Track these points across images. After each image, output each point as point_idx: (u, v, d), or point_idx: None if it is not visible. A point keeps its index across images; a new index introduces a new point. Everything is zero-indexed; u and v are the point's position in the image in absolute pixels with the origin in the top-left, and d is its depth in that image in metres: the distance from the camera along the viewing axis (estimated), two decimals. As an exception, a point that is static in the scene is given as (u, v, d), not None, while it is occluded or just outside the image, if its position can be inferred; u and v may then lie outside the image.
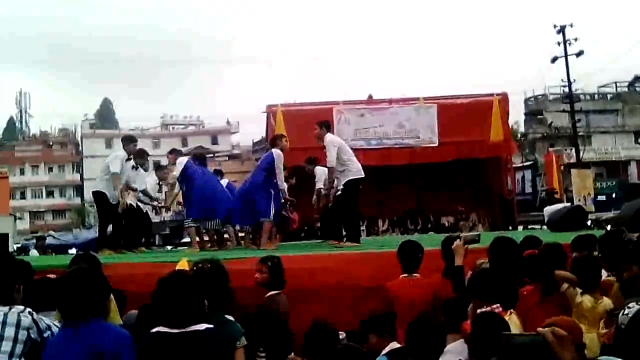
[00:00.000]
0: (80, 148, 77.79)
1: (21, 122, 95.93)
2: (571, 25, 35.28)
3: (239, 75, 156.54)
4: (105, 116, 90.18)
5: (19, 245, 22.26)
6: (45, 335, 3.92)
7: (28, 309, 4.00)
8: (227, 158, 66.52)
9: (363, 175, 10.26)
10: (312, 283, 6.91)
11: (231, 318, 4.38)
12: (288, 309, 5.84)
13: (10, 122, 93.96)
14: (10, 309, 3.92)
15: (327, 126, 10.64)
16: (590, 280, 5.41)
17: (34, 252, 18.45)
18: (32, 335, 3.88)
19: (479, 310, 4.56)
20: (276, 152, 10.47)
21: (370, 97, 25.61)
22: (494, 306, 4.63)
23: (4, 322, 3.85)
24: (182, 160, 10.99)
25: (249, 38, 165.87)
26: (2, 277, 4.07)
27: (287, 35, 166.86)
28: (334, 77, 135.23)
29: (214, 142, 72.26)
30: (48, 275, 5.69)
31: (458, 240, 5.96)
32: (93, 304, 3.74)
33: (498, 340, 3.10)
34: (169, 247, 14.77)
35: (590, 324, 5.15)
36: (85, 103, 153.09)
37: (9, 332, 3.83)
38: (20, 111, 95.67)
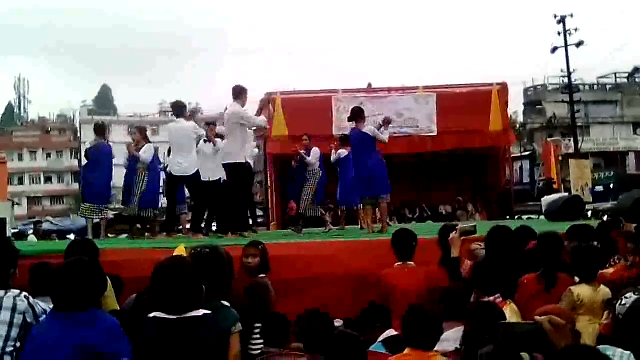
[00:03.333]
0: (78, 134, 77.63)
1: (20, 108, 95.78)
2: (572, 16, 35.31)
3: (238, 63, 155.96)
4: (103, 103, 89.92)
5: (16, 231, 22.24)
6: (41, 319, 3.92)
7: (24, 293, 4.00)
8: (225, 145, 66.38)
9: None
10: (307, 271, 6.91)
11: (227, 304, 4.39)
12: (282, 297, 5.87)
13: (9, 107, 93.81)
14: (6, 293, 3.92)
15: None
16: (588, 271, 5.40)
17: (32, 238, 18.46)
18: (28, 320, 3.88)
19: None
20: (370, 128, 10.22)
21: (369, 85, 25.56)
22: (495, 296, 4.67)
23: (0, 306, 3.85)
24: (150, 147, 11.03)
25: (248, 27, 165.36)
26: (2, 261, 4.06)
27: (287, 24, 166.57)
28: (334, 66, 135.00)
29: (212, 129, 72.02)
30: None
31: (454, 232, 5.97)
32: (87, 298, 3.71)
33: (493, 329, 3.12)
34: (164, 234, 14.64)
35: (590, 314, 5.14)
36: (84, 89, 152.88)
37: (5, 316, 3.83)
38: (19, 97, 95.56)
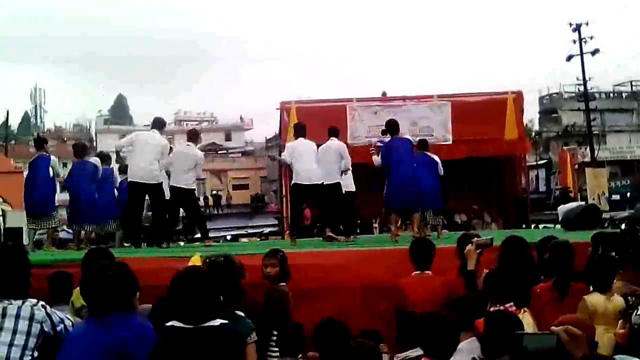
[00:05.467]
0: (94, 143, 78.02)
1: (36, 118, 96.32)
2: (587, 24, 35.11)
3: (253, 72, 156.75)
4: (119, 112, 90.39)
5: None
6: (58, 328, 3.94)
7: (41, 302, 4.02)
8: (240, 154, 66.62)
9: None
10: (323, 280, 6.90)
11: (241, 314, 4.39)
12: (298, 305, 5.85)
13: (25, 117, 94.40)
14: (23, 302, 3.94)
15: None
16: (603, 280, 5.38)
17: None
18: (45, 329, 3.90)
19: (492, 309, 4.57)
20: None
21: (384, 94, 25.58)
22: (507, 305, 4.64)
23: (18, 316, 3.87)
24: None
25: (263, 36, 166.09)
26: (16, 270, 4.08)
27: (301, 33, 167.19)
28: (348, 74, 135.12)
29: (228, 138, 72.06)
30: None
31: (470, 245, 5.93)
32: (121, 300, 3.77)
33: (511, 338, 3.10)
34: (182, 243, 14.79)
35: (605, 323, 5.11)
36: (99, 99, 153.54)
37: (22, 325, 3.85)
38: (35, 106, 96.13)
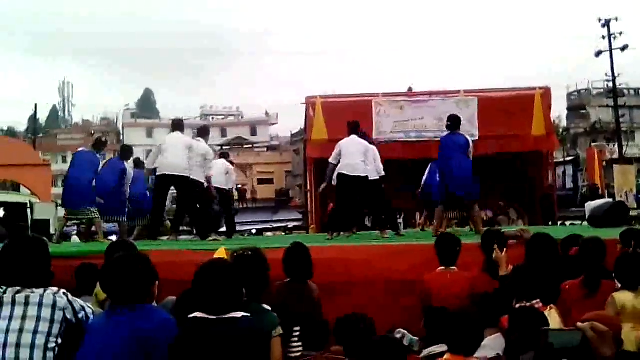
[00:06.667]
0: (121, 137, 78.62)
1: (64, 111, 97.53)
2: (616, 19, 34.76)
3: (278, 66, 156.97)
4: (146, 106, 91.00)
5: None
6: (80, 315, 3.97)
7: (62, 290, 4.06)
8: (265, 149, 66.79)
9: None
10: (347, 275, 6.89)
11: (268, 307, 4.39)
12: (322, 300, 5.83)
13: (53, 110, 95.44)
14: (45, 290, 3.97)
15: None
16: (632, 277, 5.31)
17: (76, 239, 18.70)
18: (68, 316, 3.93)
19: (517, 305, 4.54)
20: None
21: (410, 89, 25.51)
22: (534, 302, 4.60)
23: (40, 303, 3.90)
24: None
25: (289, 30, 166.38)
26: (37, 260, 4.13)
27: (327, 27, 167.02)
28: (374, 69, 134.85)
29: (253, 133, 72.34)
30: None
31: (499, 252, 5.81)
32: (141, 289, 3.80)
33: (535, 335, 3.08)
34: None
35: (633, 320, 5.06)
36: (127, 93, 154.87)
37: (45, 313, 3.88)
38: (63, 100, 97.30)
